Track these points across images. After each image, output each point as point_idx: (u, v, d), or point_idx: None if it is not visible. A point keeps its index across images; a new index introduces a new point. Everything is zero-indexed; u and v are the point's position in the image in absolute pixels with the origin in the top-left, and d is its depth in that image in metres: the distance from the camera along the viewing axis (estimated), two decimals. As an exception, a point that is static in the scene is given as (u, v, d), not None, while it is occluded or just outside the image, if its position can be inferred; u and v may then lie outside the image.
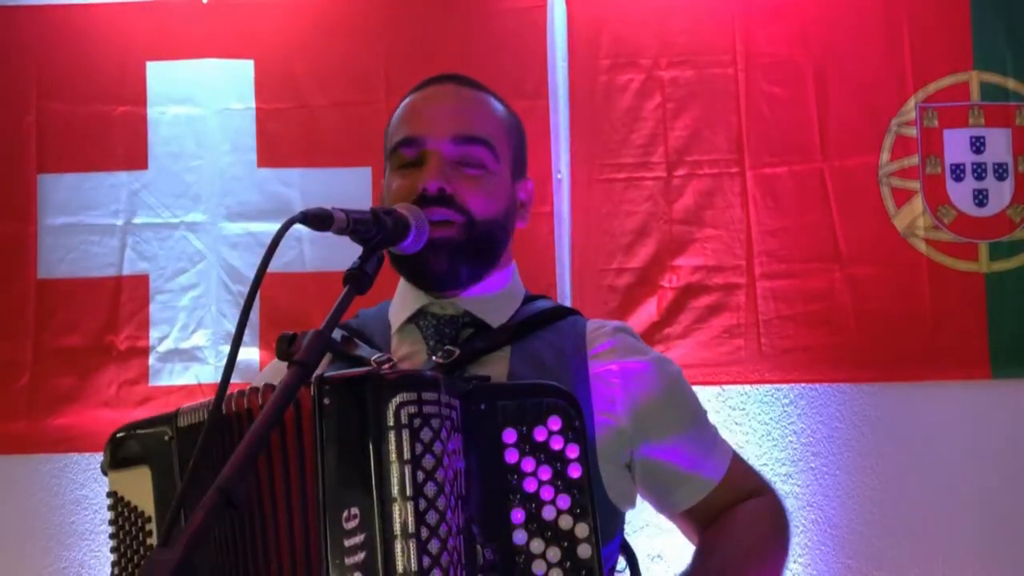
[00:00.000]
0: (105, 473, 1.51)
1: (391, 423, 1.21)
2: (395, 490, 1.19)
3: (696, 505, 1.56)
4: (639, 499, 1.58)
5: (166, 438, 1.42)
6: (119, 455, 1.48)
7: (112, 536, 1.50)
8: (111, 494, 1.51)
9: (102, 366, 3.01)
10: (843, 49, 3.00)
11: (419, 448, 1.20)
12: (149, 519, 1.46)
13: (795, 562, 2.88)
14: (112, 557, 1.49)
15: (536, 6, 3.05)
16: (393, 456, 1.20)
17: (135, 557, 1.48)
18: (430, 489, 1.20)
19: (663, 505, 1.58)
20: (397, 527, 1.18)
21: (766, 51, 3.01)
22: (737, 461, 1.61)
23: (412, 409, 1.21)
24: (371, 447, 1.21)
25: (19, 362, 3.01)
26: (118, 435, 1.49)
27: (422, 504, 1.19)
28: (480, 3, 3.07)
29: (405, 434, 1.20)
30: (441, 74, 1.62)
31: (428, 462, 1.20)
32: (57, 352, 3.01)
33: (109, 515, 1.50)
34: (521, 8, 3.05)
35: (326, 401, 1.24)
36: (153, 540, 1.45)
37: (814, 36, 3.01)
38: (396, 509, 1.19)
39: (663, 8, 3.04)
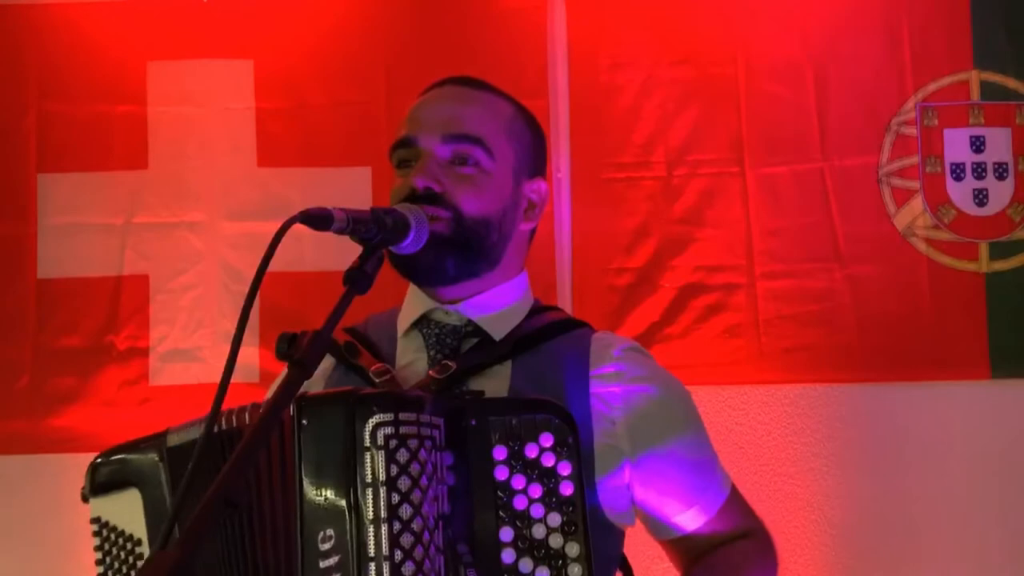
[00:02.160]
0: (86, 500, 1.50)
1: (367, 444, 1.20)
2: (370, 512, 1.19)
3: (685, 536, 1.53)
4: None
5: (155, 459, 1.42)
6: (102, 480, 1.47)
7: (99, 563, 1.48)
8: (95, 520, 1.49)
9: (102, 366, 3.00)
10: (843, 49, 3.00)
11: (395, 470, 1.19)
12: (139, 542, 1.43)
13: (795, 562, 2.88)
14: None
15: (536, 6, 3.05)
16: (369, 478, 1.19)
17: None
18: (405, 511, 1.19)
19: (656, 530, 1.55)
20: (371, 550, 1.18)
21: (766, 51, 3.01)
22: (734, 498, 1.58)
23: (388, 430, 1.20)
24: (346, 468, 1.20)
25: (19, 362, 3.01)
26: (99, 460, 1.48)
27: (396, 527, 1.18)
28: (480, 3, 3.07)
29: (381, 455, 1.20)
30: (446, 77, 1.61)
31: (404, 484, 1.19)
32: (57, 352, 3.01)
33: (95, 541, 1.48)
34: (521, 8, 3.05)
35: (304, 421, 1.24)
36: None
37: (814, 36, 3.00)
38: (370, 532, 1.18)
39: (663, 8, 3.03)
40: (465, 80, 1.60)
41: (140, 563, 1.44)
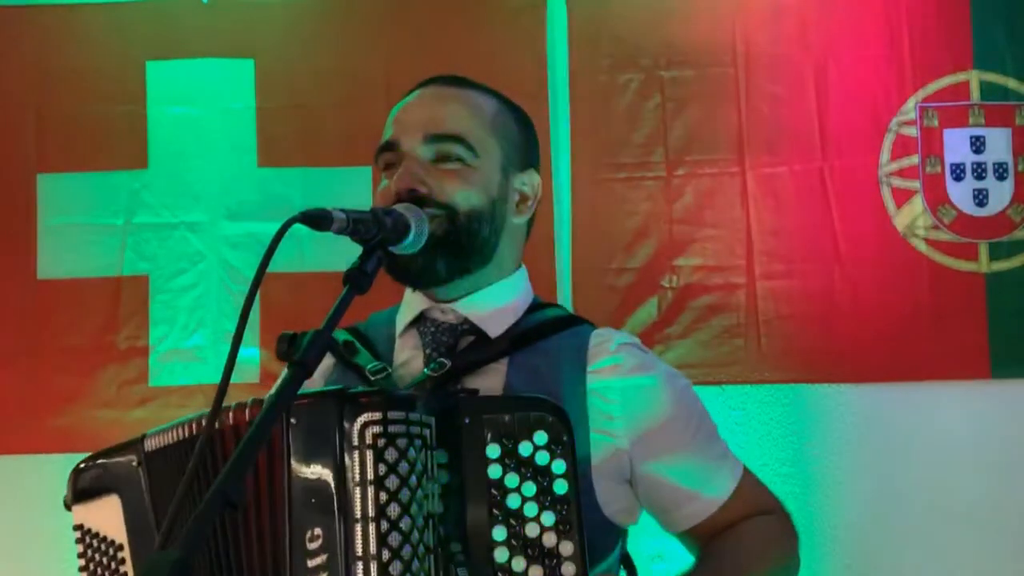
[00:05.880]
0: (68, 508, 1.50)
1: (355, 443, 1.20)
2: (357, 511, 1.18)
3: (700, 524, 1.53)
4: None
5: (134, 464, 1.41)
6: (83, 487, 1.47)
7: (82, 569, 1.47)
8: (78, 527, 1.48)
9: (102, 366, 3.00)
10: (843, 49, 3.00)
11: (383, 469, 1.19)
12: (121, 547, 1.43)
13: (795, 562, 2.88)
14: None
15: (536, 6, 3.05)
16: (357, 477, 1.19)
17: None
18: (393, 510, 1.18)
19: (665, 523, 1.55)
20: (359, 549, 1.17)
21: (766, 51, 3.01)
22: (747, 480, 1.57)
23: (377, 429, 1.20)
24: (334, 468, 1.20)
25: (19, 362, 3.01)
26: (79, 467, 1.48)
27: (384, 526, 1.18)
28: (480, 3, 3.07)
29: (369, 455, 1.19)
30: (430, 77, 1.62)
31: (392, 483, 1.19)
32: (57, 352, 3.01)
33: (77, 548, 1.47)
34: (521, 8, 3.05)
35: (292, 420, 1.24)
36: (127, 568, 1.43)
37: (814, 36, 3.00)
38: (358, 531, 1.18)
39: (663, 8, 3.03)
40: (448, 79, 1.60)
41: (123, 568, 1.43)
